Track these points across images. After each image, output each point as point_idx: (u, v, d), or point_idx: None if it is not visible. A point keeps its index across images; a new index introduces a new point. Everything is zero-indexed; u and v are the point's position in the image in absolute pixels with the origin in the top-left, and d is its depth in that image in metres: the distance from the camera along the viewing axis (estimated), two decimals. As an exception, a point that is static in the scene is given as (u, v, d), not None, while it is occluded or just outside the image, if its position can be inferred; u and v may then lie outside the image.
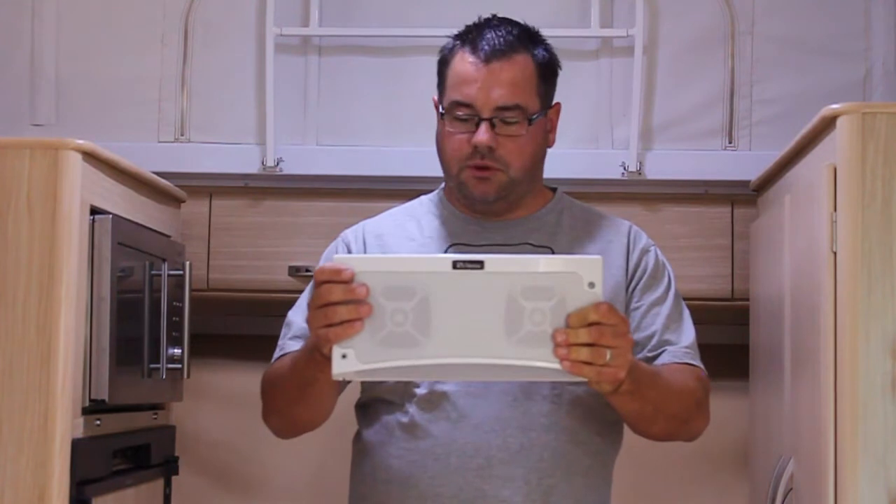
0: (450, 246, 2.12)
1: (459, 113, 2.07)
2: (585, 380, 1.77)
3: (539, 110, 2.11)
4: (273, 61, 2.96)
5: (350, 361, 1.75)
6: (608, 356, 1.75)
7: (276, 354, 2.14)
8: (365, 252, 2.14)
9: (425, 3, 2.98)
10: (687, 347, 2.10)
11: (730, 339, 3.03)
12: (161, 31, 3.02)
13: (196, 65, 3.02)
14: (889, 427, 2.04)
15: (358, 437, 2.15)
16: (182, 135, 3.01)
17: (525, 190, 2.13)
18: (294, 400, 2.06)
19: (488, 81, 2.07)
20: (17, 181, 2.19)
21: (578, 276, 1.75)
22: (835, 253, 2.10)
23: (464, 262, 1.75)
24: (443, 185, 2.21)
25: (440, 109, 2.11)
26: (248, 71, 3.01)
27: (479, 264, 1.74)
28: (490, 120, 2.06)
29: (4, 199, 2.19)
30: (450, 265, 1.74)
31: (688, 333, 2.13)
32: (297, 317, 2.14)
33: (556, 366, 1.75)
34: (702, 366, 2.12)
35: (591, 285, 1.76)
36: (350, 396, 2.18)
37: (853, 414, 2.04)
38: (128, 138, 2.94)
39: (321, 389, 1.97)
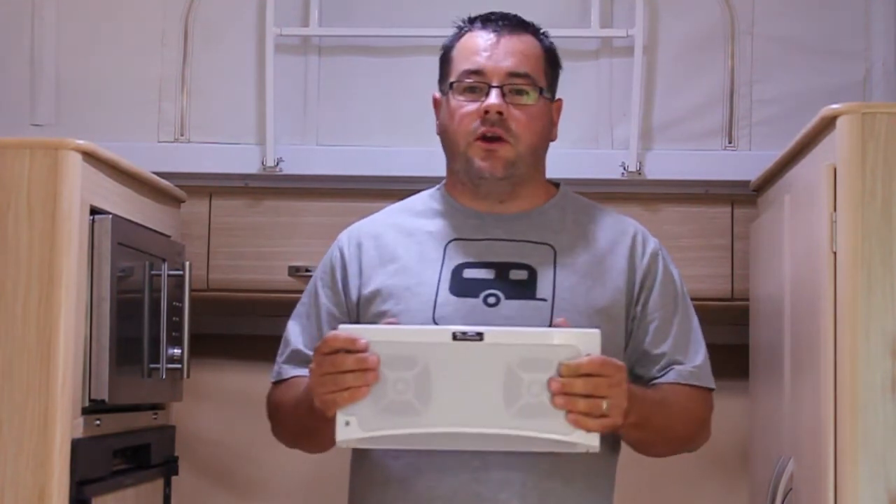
0: (449, 242, 2.11)
1: (469, 80, 2.08)
2: (584, 451, 1.82)
3: (547, 88, 2.12)
4: (273, 61, 2.96)
5: (353, 429, 1.82)
6: (605, 406, 1.80)
7: (274, 376, 2.15)
8: (360, 257, 2.13)
9: (425, 3, 2.99)
10: (695, 367, 2.08)
11: (730, 339, 3.03)
12: (161, 31, 3.02)
13: (196, 65, 3.02)
14: (889, 427, 2.04)
15: None
16: (182, 135, 3.01)
17: (529, 174, 2.11)
18: (298, 436, 2.11)
19: (499, 50, 2.08)
20: (17, 181, 2.19)
21: (576, 348, 1.81)
22: (835, 253, 2.10)
23: (464, 333, 1.81)
24: (442, 182, 2.21)
25: (447, 86, 2.10)
26: (248, 71, 3.01)
27: (479, 336, 1.81)
28: (501, 88, 2.06)
29: (4, 199, 2.19)
30: (450, 337, 1.81)
31: (698, 352, 2.11)
32: (295, 332, 2.15)
33: (553, 436, 1.80)
34: (710, 384, 2.10)
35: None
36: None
37: (853, 414, 2.04)
38: (128, 138, 2.94)
39: (323, 435, 2.00)
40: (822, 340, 2.11)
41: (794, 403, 2.37)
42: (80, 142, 2.24)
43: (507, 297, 2.04)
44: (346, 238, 2.18)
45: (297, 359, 2.11)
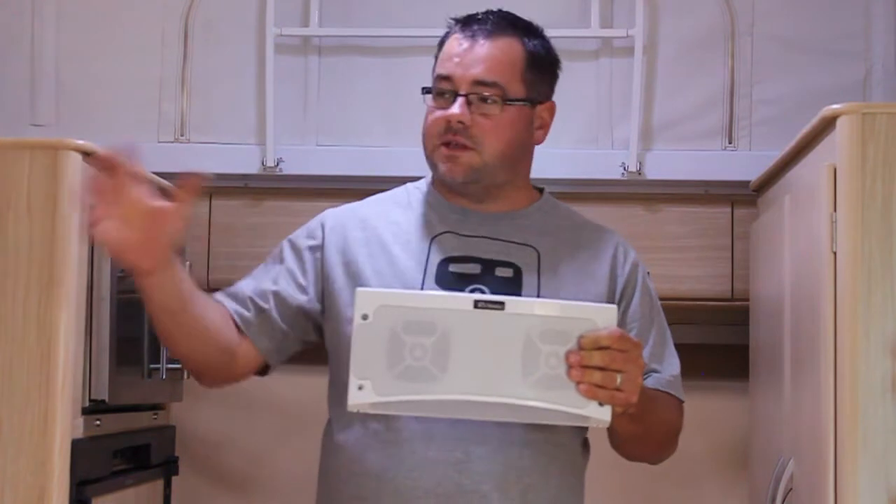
0: (434, 236, 2.09)
1: (439, 86, 2.07)
2: (597, 426, 1.82)
3: (523, 97, 2.09)
4: (273, 61, 2.96)
5: (367, 393, 1.79)
6: (619, 381, 1.79)
7: None
8: (345, 235, 2.10)
9: (425, 3, 2.99)
10: (671, 377, 2.09)
11: (730, 339, 3.03)
12: (161, 31, 3.03)
13: (196, 65, 3.02)
14: (889, 427, 2.04)
15: (329, 427, 2.10)
16: (182, 135, 3.02)
17: (503, 179, 2.10)
18: (164, 335, 2.00)
19: (468, 57, 2.06)
20: (17, 181, 2.19)
21: (594, 322, 1.80)
22: (835, 253, 2.10)
23: (485, 301, 1.79)
24: (431, 175, 2.19)
25: (424, 87, 2.10)
26: (248, 71, 3.02)
27: (500, 305, 1.79)
28: (466, 96, 2.04)
29: (4, 199, 2.19)
30: (471, 304, 1.79)
31: (673, 363, 2.11)
32: (245, 281, 2.10)
33: (568, 409, 1.79)
34: (682, 396, 2.11)
35: None
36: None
37: (853, 414, 2.04)
38: (128, 138, 2.94)
39: (158, 308, 1.92)
40: (822, 340, 2.11)
41: (794, 403, 2.37)
42: (80, 142, 2.24)
43: (494, 293, 2.03)
44: (331, 215, 2.16)
45: (231, 295, 2.07)
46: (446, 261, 2.06)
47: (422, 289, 2.02)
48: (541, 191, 2.20)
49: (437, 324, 1.78)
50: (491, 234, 2.09)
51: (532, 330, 1.79)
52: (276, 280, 2.08)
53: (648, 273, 2.17)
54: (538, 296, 2.04)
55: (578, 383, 1.78)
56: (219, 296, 2.08)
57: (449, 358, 1.78)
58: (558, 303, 1.87)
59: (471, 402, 1.80)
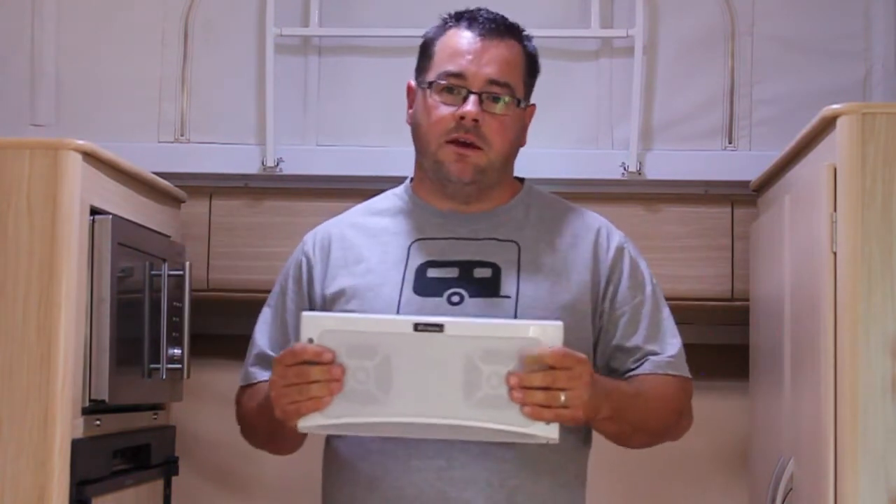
0: (413, 242, 2.09)
1: (448, 82, 2.06)
2: (543, 442, 1.82)
3: (524, 99, 2.10)
4: (273, 61, 2.96)
5: (315, 416, 1.83)
6: (563, 398, 1.80)
7: (242, 379, 2.15)
8: (325, 258, 2.13)
9: (425, 3, 2.98)
10: (671, 356, 2.07)
11: (730, 339, 3.03)
12: (161, 31, 3.03)
13: (196, 65, 3.02)
14: (889, 427, 2.04)
15: (329, 437, 2.13)
16: (182, 135, 3.02)
17: (497, 179, 2.10)
18: (265, 442, 2.12)
19: (482, 55, 2.06)
20: (17, 181, 2.19)
21: (537, 340, 1.81)
22: (835, 253, 2.10)
23: (424, 324, 1.81)
24: (409, 178, 2.19)
25: (426, 82, 2.08)
26: (248, 71, 3.02)
27: (440, 327, 1.81)
28: (479, 95, 2.04)
29: (4, 199, 2.19)
30: (411, 327, 1.81)
31: (672, 342, 2.10)
32: (261, 333, 2.16)
33: (510, 427, 1.81)
34: (686, 373, 2.10)
35: None
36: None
37: (853, 414, 2.04)
38: (128, 138, 2.94)
39: (289, 440, 2.03)
40: (822, 340, 2.12)
41: (794, 403, 2.37)
42: (80, 142, 2.24)
43: (472, 296, 2.03)
44: (311, 240, 2.18)
45: (264, 361, 2.11)
46: (424, 266, 2.06)
47: (400, 297, 2.04)
48: (521, 181, 2.19)
49: (379, 347, 1.81)
50: (471, 234, 2.09)
51: (473, 351, 1.80)
52: (286, 331, 2.12)
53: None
54: (517, 291, 2.04)
55: (522, 405, 1.79)
56: (261, 374, 2.11)
57: (391, 381, 1.81)
58: (499, 323, 1.90)
59: (415, 423, 1.82)
